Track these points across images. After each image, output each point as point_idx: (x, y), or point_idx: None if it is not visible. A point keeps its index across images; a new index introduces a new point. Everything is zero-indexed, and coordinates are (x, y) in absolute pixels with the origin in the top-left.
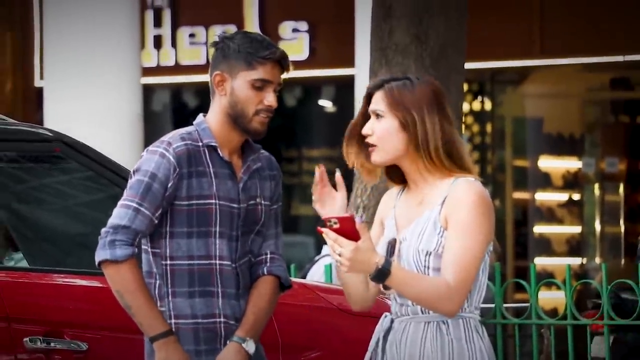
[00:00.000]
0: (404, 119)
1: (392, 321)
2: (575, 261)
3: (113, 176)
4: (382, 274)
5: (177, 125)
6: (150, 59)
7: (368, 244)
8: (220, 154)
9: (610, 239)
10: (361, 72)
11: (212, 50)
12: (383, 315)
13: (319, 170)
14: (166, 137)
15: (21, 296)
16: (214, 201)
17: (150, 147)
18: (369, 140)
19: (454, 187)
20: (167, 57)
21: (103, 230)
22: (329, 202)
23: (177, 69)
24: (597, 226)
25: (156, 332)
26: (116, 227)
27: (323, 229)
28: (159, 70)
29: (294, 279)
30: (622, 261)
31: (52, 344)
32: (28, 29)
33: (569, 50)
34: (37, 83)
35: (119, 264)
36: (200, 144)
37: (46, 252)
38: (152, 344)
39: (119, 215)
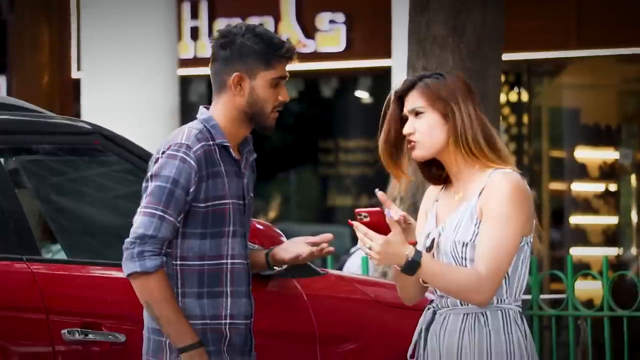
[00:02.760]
0: (444, 111)
1: (434, 313)
2: (611, 252)
3: None
4: (412, 266)
5: None
6: (187, 50)
7: (398, 237)
8: (231, 152)
9: None
10: (397, 64)
11: (216, 45)
12: (426, 308)
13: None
14: (181, 139)
15: (59, 288)
16: (228, 201)
17: (169, 151)
18: (410, 138)
19: (491, 179)
20: (204, 49)
21: (128, 240)
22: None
23: None
24: (634, 217)
25: (185, 343)
26: (143, 237)
27: (353, 222)
28: (195, 61)
29: (330, 271)
30: None
31: (90, 336)
32: (65, 21)
33: (605, 41)
34: (75, 75)
35: (148, 275)
36: (212, 142)
37: (84, 245)
38: (179, 353)
39: (144, 224)
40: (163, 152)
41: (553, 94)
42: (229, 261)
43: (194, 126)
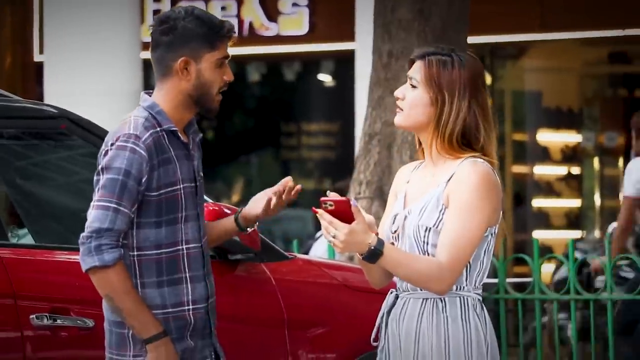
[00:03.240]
0: (434, 97)
1: (396, 297)
2: (574, 234)
3: None
4: (374, 255)
5: None
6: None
7: (362, 226)
8: (179, 137)
9: (610, 213)
10: (361, 47)
11: (157, 31)
12: (389, 292)
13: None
14: (129, 129)
15: (27, 273)
16: (179, 186)
17: (117, 142)
18: (398, 103)
19: (460, 167)
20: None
21: (84, 235)
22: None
23: None
24: (597, 200)
25: (150, 334)
26: (99, 231)
27: (318, 210)
28: None
29: (298, 255)
30: None
31: (59, 321)
32: (27, 4)
33: (568, 24)
34: (37, 58)
35: (107, 268)
36: (159, 129)
37: (51, 229)
38: (144, 344)
39: (99, 218)
40: (112, 144)
41: (516, 77)
42: (184, 247)
43: (139, 115)
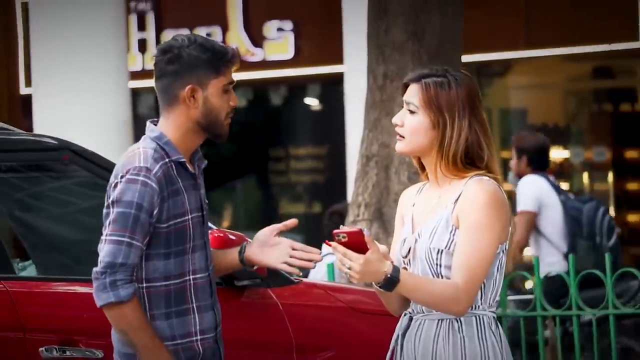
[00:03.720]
0: (435, 120)
1: (410, 319)
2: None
3: None
4: (391, 282)
5: None
6: (135, 62)
7: (377, 255)
8: (188, 168)
9: None
10: (350, 70)
11: (162, 61)
12: (403, 314)
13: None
14: (139, 162)
15: (35, 306)
16: (187, 217)
17: (128, 175)
18: (398, 130)
19: (467, 187)
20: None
21: (97, 270)
22: None
23: None
24: None
25: None
26: (113, 266)
27: (332, 243)
28: (144, 74)
29: (304, 280)
30: None
31: (68, 353)
32: (11, 36)
33: (553, 41)
34: (23, 90)
35: (123, 304)
36: (167, 159)
37: (56, 261)
38: None
39: (112, 252)
40: (122, 177)
41: (502, 95)
42: (191, 277)
43: (147, 146)
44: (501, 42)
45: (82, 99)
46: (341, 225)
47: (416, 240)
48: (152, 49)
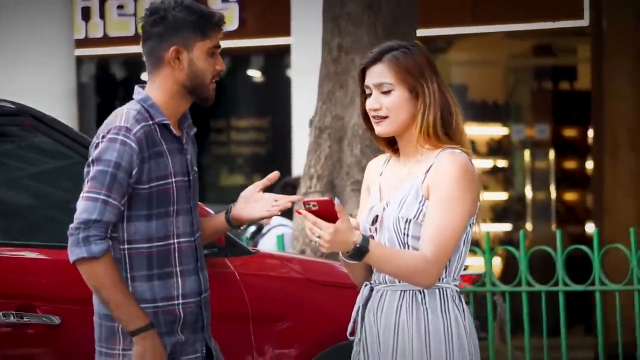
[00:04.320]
0: (414, 88)
1: (371, 289)
2: (504, 227)
3: (81, 149)
4: (360, 252)
5: (104, 98)
6: (79, 31)
7: (346, 225)
8: (172, 130)
9: (540, 205)
10: (298, 42)
11: (148, 23)
12: (364, 284)
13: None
14: (120, 121)
15: None
16: (171, 180)
17: (109, 135)
18: (377, 114)
19: (439, 159)
20: (96, 29)
21: (72, 226)
22: None
23: (106, 40)
24: (528, 193)
25: (136, 326)
26: (87, 222)
27: (302, 211)
28: (87, 42)
29: (261, 250)
30: (553, 226)
31: (25, 319)
32: None
33: (499, 17)
34: None
35: (95, 260)
36: (151, 122)
37: (13, 226)
38: (131, 336)
39: (87, 209)
40: (103, 137)
41: (444, 71)
42: (175, 240)
43: (131, 107)
44: (448, 18)
45: (27, 68)
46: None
47: (384, 209)
48: (95, 18)
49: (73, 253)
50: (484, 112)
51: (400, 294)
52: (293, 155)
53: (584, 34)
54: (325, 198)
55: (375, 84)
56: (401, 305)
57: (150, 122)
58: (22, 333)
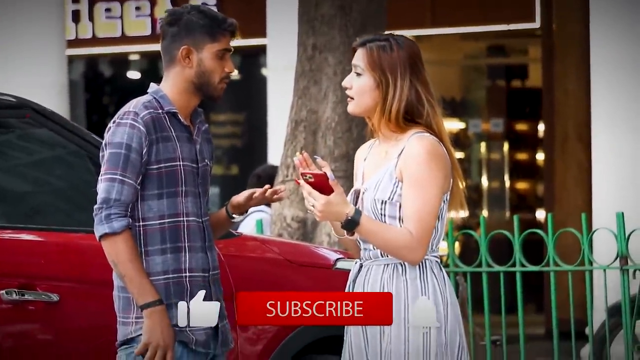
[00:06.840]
0: (379, 79)
1: (360, 266)
2: (462, 214)
3: (77, 139)
4: (351, 224)
5: (93, 94)
6: (70, 32)
7: (339, 198)
8: (180, 119)
9: (495, 194)
10: (273, 42)
11: (165, 23)
12: (355, 262)
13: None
14: (129, 108)
15: None
16: (178, 163)
17: (117, 120)
18: (347, 92)
19: (409, 143)
20: (85, 30)
21: (95, 206)
22: None
23: (95, 41)
24: (484, 182)
25: (146, 300)
26: (108, 201)
27: (300, 181)
28: (77, 42)
29: (244, 233)
30: (507, 214)
31: (26, 296)
32: None
33: (457, 20)
34: None
35: (115, 235)
36: (161, 110)
37: (15, 211)
38: (141, 310)
39: (107, 189)
40: (114, 122)
41: None
42: (184, 218)
43: (144, 98)
44: (409, 21)
45: (22, 66)
46: (316, 160)
47: (364, 192)
48: (84, 20)
49: (97, 230)
50: (443, 108)
51: (384, 267)
52: (268, 147)
53: (535, 35)
54: (320, 172)
55: (354, 65)
56: (384, 278)
57: (160, 110)
58: (24, 309)
